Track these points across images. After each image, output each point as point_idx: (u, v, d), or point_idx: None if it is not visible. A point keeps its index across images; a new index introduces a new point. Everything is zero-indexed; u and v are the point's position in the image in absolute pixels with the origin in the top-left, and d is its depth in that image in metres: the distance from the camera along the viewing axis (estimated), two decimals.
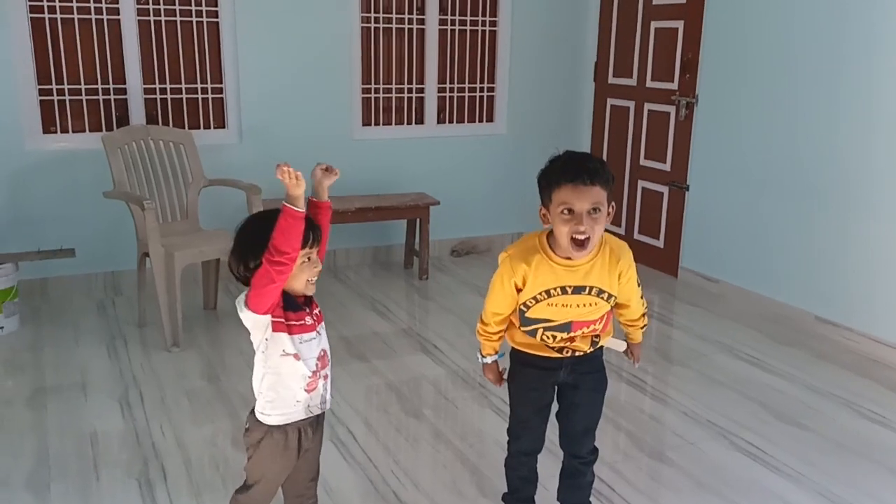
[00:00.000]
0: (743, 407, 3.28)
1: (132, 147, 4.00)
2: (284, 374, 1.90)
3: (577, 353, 2.09)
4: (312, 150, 4.87)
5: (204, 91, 4.72)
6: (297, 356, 1.88)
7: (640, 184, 5.29)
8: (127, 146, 3.98)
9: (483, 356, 2.20)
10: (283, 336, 1.87)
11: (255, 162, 4.71)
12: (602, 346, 2.17)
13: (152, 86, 4.58)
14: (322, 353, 1.95)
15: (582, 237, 1.87)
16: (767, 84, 4.31)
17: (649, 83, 5.12)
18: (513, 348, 2.17)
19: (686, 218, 4.95)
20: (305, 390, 1.91)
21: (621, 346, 2.21)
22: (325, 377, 1.97)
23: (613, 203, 1.96)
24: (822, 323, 4.08)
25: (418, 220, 4.97)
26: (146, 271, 3.91)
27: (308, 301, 1.94)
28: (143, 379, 3.43)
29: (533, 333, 2.07)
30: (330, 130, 4.95)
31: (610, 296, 2.03)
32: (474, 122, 5.51)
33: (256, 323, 1.86)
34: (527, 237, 2.05)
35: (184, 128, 4.59)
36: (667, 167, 5.06)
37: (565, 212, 1.87)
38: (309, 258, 1.86)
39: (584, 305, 2.01)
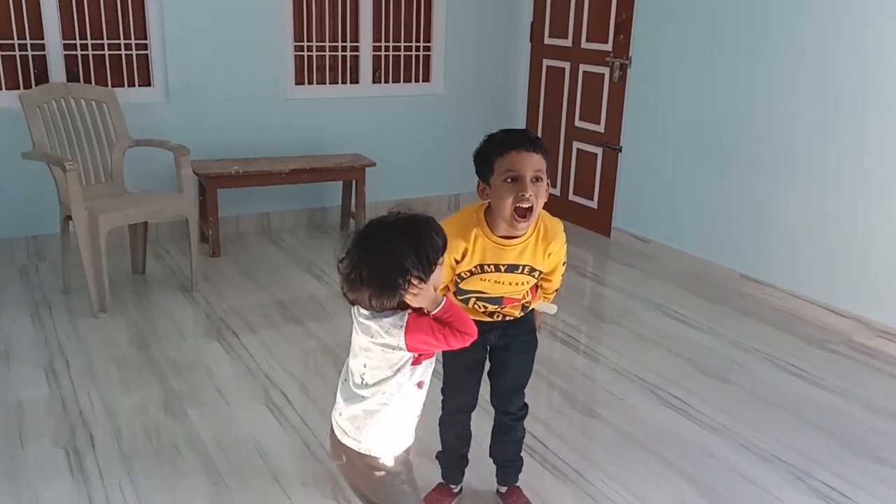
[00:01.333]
0: (670, 363, 3.38)
1: (52, 106, 3.82)
2: (410, 406, 1.75)
3: (507, 318, 2.12)
4: (244, 109, 4.80)
5: (128, 47, 4.53)
6: (421, 384, 1.74)
7: (575, 145, 5.33)
8: (46, 105, 3.80)
9: None
10: (423, 364, 1.72)
11: (184, 122, 4.57)
12: (533, 309, 2.20)
13: (72, 41, 4.37)
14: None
15: (526, 205, 1.87)
16: (698, 47, 4.37)
17: (584, 44, 5.13)
18: None
19: (619, 179, 5.03)
20: (418, 416, 1.81)
21: (552, 308, 2.25)
22: None
23: (549, 181, 1.97)
24: (747, 280, 4.22)
25: (354, 182, 4.91)
26: (70, 235, 3.77)
27: None
28: (69, 346, 3.33)
29: (466, 301, 2.09)
30: (262, 89, 4.82)
31: (540, 273, 2.06)
32: (410, 81, 5.45)
33: (399, 357, 1.67)
34: (464, 211, 2.04)
35: (107, 86, 4.40)
36: (601, 129, 5.11)
37: (509, 179, 1.87)
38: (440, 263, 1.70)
39: (517, 284, 2.04)
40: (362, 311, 1.66)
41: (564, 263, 2.13)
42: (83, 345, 3.35)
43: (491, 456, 2.36)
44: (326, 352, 3.38)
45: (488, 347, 2.19)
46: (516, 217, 1.89)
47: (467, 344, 1.68)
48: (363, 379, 1.71)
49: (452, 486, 2.38)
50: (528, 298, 2.11)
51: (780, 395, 3.14)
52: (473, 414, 2.32)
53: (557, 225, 2.06)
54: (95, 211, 3.55)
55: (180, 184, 3.87)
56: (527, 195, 1.86)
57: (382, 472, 1.77)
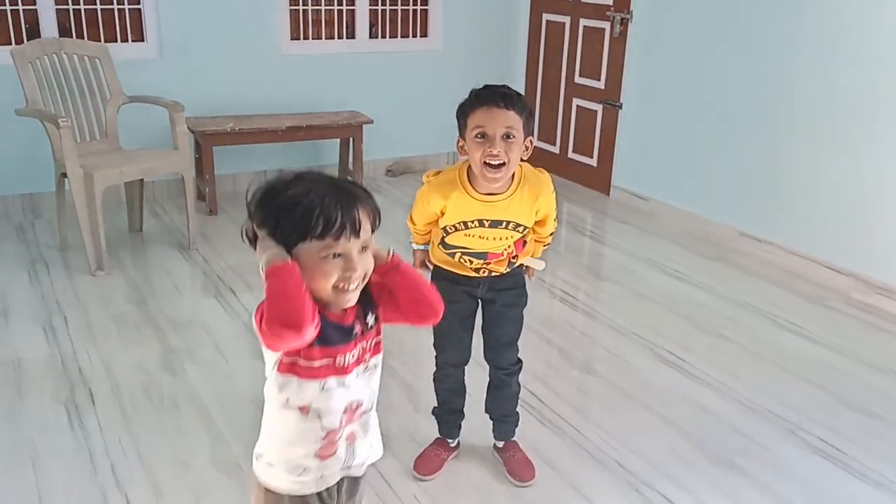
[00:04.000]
0: (668, 320, 3.39)
1: (44, 62, 3.77)
2: (286, 430, 1.35)
3: (493, 274, 2.11)
4: (239, 65, 4.74)
5: (120, 2, 4.45)
6: (305, 409, 1.32)
7: (575, 102, 5.27)
8: (38, 60, 3.75)
9: (414, 243, 2.23)
10: (293, 380, 1.31)
11: (177, 78, 4.51)
12: (521, 265, 2.19)
13: None
14: (354, 406, 1.38)
15: (495, 161, 1.86)
16: (700, 1, 4.29)
17: None
18: (434, 266, 2.18)
19: (619, 136, 4.98)
20: (317, 456, 1.36)
21: (540, 265, 2.23)
22: (352, 436, 1.40)
23: (532, 138, 1.94)
24: (746, 238, 4.21)
25: (351, 140, 4.87)
26: (65, 193, 3.75)
27: (360, 317, 1.35)
28: (67, 303, 3.33)
29: (452, 255, 2.09)
30: (256, 45, 4.75)
31: (526, 228, 2.05)
32: (408, 37, 5.37)
33: (266, 351, 1.31)
34: (449, 169, 2.03)
35: (99, 41, 4.33)
36: (601, 85, 5.04)
37: (479, 136, 1.86)
38: (335, 254, 1.24)
39: (501, 238, 2.03)
40: None
41: (556, 211, 2.12)
42: (81, 302, 3.35)
43: (487, 411, 2.38)
44: None
45: (479, 301, 2.19)
46: (486, 170, 1.88)
47: (278, 345, 1.24)
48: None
49: (450, 441, 2.40)
50: (514, 252, 2.10)
51: (777, 351, 3.15)
52: (470, 370, 2.33)
53: (544, 177, 2.04)
54: (90, 168, 3.53)
55: (175, 141, 3.84)
56: (495, 152, 1.85)
57: (252, 490, 1.44)
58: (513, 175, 1.96)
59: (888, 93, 3.47)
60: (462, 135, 1.93)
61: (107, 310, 3.29)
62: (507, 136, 1.86)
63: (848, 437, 2.58)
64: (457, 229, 2.02)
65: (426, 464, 2.34)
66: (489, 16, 5.50)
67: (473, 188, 1.96)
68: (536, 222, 2.09)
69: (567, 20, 5.22)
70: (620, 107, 4.92)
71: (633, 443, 2.51)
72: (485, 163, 1.87)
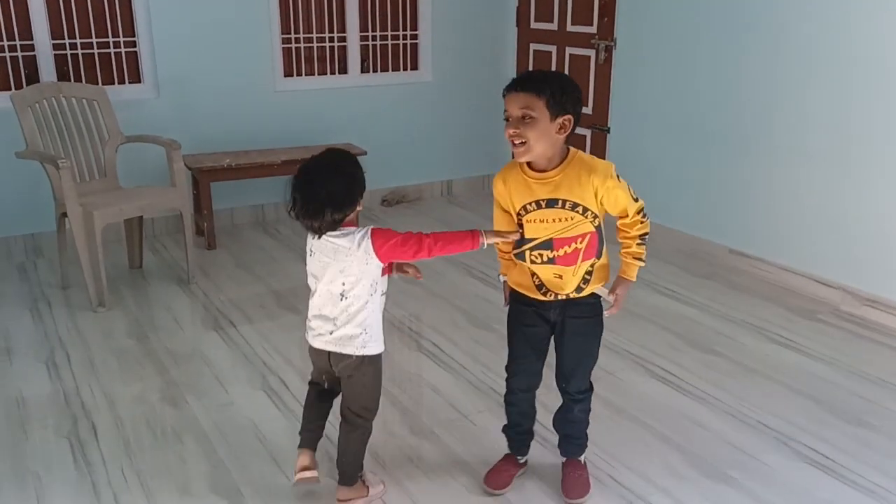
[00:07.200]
0: (660, 337, 3.44)
1: (43, 105, 3.87)
2: (379, 310, 2.17)
3: (560, 297, 2.15)
4: (234, 102, 4.84)
5: (116, 45, 4.57)
6: (384, 294, 2.19)
7: None
8: (38, 104, 3.84)
9: (500, 274, 2.33)
10: (385, 278, 2.17)
11: (175, 116, 4.61)
12: (592, 293, 2.19)
13: (61, 41, 4.41)
14: None
15: (516, 140, 1.99)
16: (682, 26, 4.40)
17: (570, 27, 5.17)
18: (511, 290, 2.26)
19: (608, 160, 5.05)
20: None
21: (604, 292, 2.23)
22: None
23: (569, 116, 1.99)
24: (736, 255, 4.28)
25: None
26: (66, 232, 3.83)
27: None
28: (69, 340, 3.39)
29: (522, 257, 2.14)
30: (251, 82, 4.86)
31: (586, 209, 2.06)
32: (399, 70, 5.48)
33: (374, 269, 2.08)
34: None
35: (97, 83, 4.44)
36: (588, 111, 5.14)
37: (505, 118, 2.03)
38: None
39: (561, 220, 2.06)
40: (331, 234, 2.06)
41: (638, 203, 2.13)
42: (83, 338, 3.41)
43: (553, 426, 2.44)
44: None
45: (551, 325, 2.23)
46: (512, 147, 2.03)
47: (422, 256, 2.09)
48: (344, 295, 2.10)
49: (518, 458, 2.45)
50: (581, 247, 2.08)
51: (767, 364, 3.20)
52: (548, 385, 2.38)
53: (597, 163, 2.06)
54: (90, 207, 3.61)
55: (173, 178, 3.92)
56: (510, 131, 1.99)
57: (364, 369, 2.17)
58: (565, 156, 2.05)
59: (863, 109, 3.56)
60: None
61: (108, 345, 3.35)
62: (525, 118, 1.97)
63: (839, 446, 2.62)
64: (520, 216, 2.11)
65: (496, 478, 2.39)
66: (478, 47, 5.62)
67: (529, 168, 2.07)
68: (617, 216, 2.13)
69: (553, 49, 5.34)
70: (608, 131, 5.01)
71: (627, 458, 2.55)
72: (510, 140, 2.02)
